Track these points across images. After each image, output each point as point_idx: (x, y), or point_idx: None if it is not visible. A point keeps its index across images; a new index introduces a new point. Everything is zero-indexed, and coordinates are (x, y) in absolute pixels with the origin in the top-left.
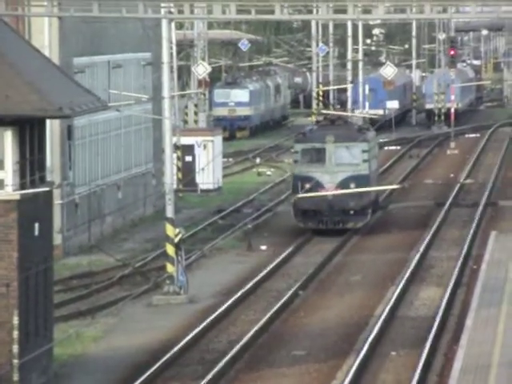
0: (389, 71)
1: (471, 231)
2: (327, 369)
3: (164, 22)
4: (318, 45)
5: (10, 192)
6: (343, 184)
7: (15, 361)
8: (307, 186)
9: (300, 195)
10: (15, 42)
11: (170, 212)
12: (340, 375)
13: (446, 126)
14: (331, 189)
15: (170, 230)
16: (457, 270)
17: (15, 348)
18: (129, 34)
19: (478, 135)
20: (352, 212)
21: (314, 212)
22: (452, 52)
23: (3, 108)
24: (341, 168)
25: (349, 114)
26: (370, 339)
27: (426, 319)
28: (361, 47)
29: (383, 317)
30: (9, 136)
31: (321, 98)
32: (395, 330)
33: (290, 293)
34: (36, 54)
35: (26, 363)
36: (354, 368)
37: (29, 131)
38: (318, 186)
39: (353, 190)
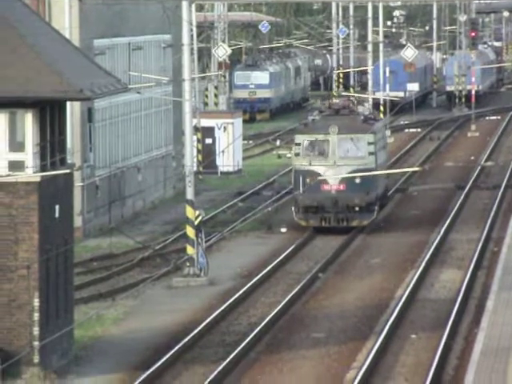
0: (409, 53)
1: (492, 214)
2: (347, 351)
3: (184, 4)
4: (338, 27)
5: (31, 174)
6: (347, 179)
7: (36, 343)
8: (309, 180)
9: (301, 191)
10: (36, 24)
11: (190, 194)
12: (360, 357)
13: (466, 108)
14: (335, 184)
15: (190, 212)
16: (477, 252)
17: (36, 330)
18: (149, 15)
19: (499, 117)
20: (357, 208)
21: (317, 209)
22: (473, 34)
23: (24, 90)
24: (345, 161)
25: (369, 96)
26: (390, 322)
27: (447, 302)
28: (381, 29)
29: (403, 299)
30: (29, 118)
31: (341, 80)
32: (415, 313)
33: (310, 275)
34: (56, 36)
35: (47, 345)
36: (374, 350)
37: (49, 113)
38: (320, 181)
39: (370, 173)
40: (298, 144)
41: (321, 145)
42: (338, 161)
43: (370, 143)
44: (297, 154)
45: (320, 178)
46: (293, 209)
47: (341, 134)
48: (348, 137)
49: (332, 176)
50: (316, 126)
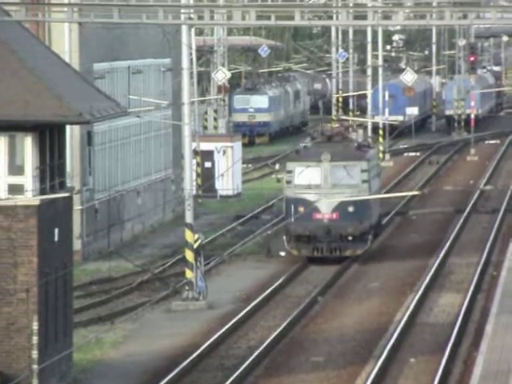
0: (409, 77)
1: (491, 237)
2: (346, 375)
3: (184, 28)
4: (337, 51)
5: (30, 197)
6: (340, 208)
7: (35, 366)
8: (301, 209)
9: (293, 219)
10: (35, 48)
11: (189, 218)
12: (359, 382)
13: (465, 132)
14: (327, 212)
15: (189, 236)
16: (476, 276)
17: (34, 353)
18: (149, 39)
19: (498, 142)
20: (350, 238)
21: (309, 238)
22: (472, 58)
23: (23, 113)
24: (338, 189)
25: (368, 120)
26: (389, 346)
27: (446, 325)
28: (381, 53)
29: (402, 323)
30: (29, 141)
31: (340, 104)
32: (414, 337)
33: (309, 299)
34: (56, 60)
35: (46, 368)
36: (373, 374)
37: (49, 137)
38: (312, 209)
39: (371, 196)
40: (290, 171)
41: (313, 172)
42: (330, 189)
43: (363, 171)
44: (288, 182)
45: (312, 206)
46: (284, 238)
47: (333, 162)
48: (341, 164)
49: (324, 205)
50: (308, 154)
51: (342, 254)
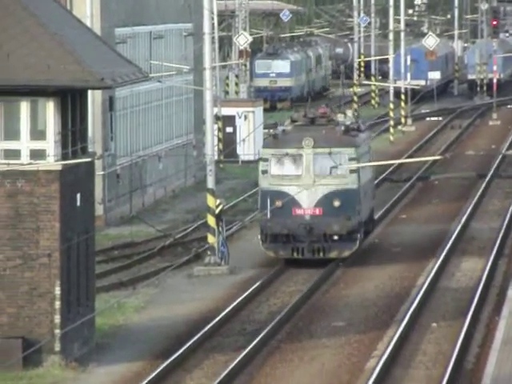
0: (431, 42)
1: None
2: (367, 340)
3: None
4: (359, 15)
5: (52, 162)
6: (324, 202)
7: (57, 331)
8: (278, 204)
9: (269, 216)
10: (57, 12)
11: (210, 183)
12: (380, 346)
13: (488, 96)
14: (309, 207)
15: (210, 201)
16: (498, 241)
17: (57, 318)
18: (170, 4)
19: None
20: (336, 237)
21: (287, 237)
22: (494, 22)
23: (45, 78)
24: (322, 181)
25: (390, 84)
26: (410, 310)
27: (467, 290)
28: (403, 17)
29: (424, 288)
30: (51, 106)
31: (362, 69)
32: (436, 302)
33: (330, 264)
34: (78, 24)
35: (68, 333)
36: (394, 339)
37: (70, 102)
38: (292, 204)
39: (388, 161)
40: (265, 160)
41: (293, 161)
42: (313, 180)
43: (351, 159)
44: (264, 172)
45: (291, 200)
46: (259, 237)
47: (317, 148)
48: (325, 151)
49: (306, 198)
50: (287, 139)
51: (326, 255)
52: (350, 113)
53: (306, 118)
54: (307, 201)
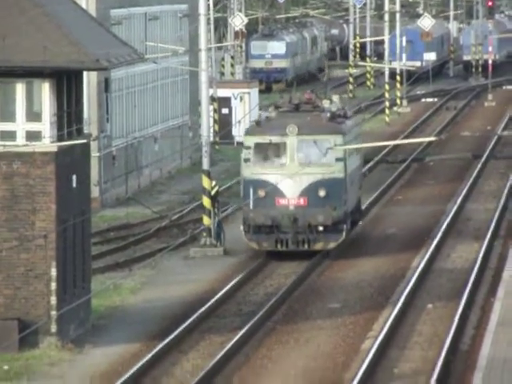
0: (426, 23)
1: (508, 183)
2: (363, 321)
3: None
4: None
5: (48, 144)
6: (309, 191)
7: (53, 312)
8: (261, 193)
9: (252, 206)
10: None
11: (206, 164)
12: (376, 327)
13: (483, 77)
14: (293, 197)
15: (206, 183)
16: (494, 222)
17: (53, 299)
18: None
19: None
20: (321, 228)
21: (271, 228)
22: (490, 3)
23: (41, 60)
24: (306, 169)
25: (386, 65)
26: (406, 292)
27: (463, 272)
28: None
29: (419, 269)
30: (46, 88)
31: (357, 50)
32: (432, 283)
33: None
34: (73, 6)
35: (64, 315)
36: (390, 320)
37: (66, 83)
38: (275, 193)
39: (387, 142)
40: (248, 147)
41: (276, 149)
42: (297, 169)
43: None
44: (246, 160)
45: (275, 189)
46: (241, 228)
47: (301, 136)
48: (310, 139)
49: (290, 188)
50: (270, 126)
51: (311, 247)
52: (336, 98)
53: (291, 104)
54: (291, 190)
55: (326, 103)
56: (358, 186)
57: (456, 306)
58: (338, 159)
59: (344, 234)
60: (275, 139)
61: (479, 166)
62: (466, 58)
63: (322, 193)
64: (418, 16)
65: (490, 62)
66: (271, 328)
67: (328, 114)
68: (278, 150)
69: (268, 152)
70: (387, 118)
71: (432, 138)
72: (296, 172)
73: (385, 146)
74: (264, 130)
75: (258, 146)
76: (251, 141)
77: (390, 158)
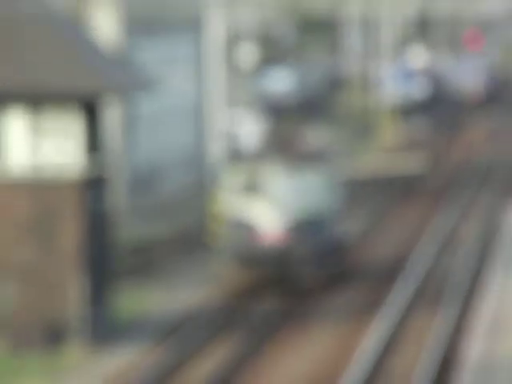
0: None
1: None
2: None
3: None
4: None
5: (76, 173)
6: (293, 229)
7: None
8: (239, 230)
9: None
10: (69, 24)
11: None
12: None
13: None
14: (274, 233)
15: None
16: None
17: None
18: None
19: None
20: (304, 263)
21: (250, 264)
22: None
23: (64, 89)
24: (287, 203)
25: None
26: None
27: None
28: None
29: None
30: (70, 117)
31: None
32: None
33: None
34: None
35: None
36: None
37: (89, 112)
38: (253, 230)
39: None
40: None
41: (255, 181)
42: (278, 203)
43: (323, 182)
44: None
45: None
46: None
47: (284, 168)
48: (293, 172)
49: (270, 223)
50: (251, 157)
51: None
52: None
53: (274, 135)
54: (271, 225)
55: (309, 137)
56: (337, 225)
57: None
58: (325, 194)
59: (330, 267)
60: (255, 171)
61: None
62: None
63: (304, 227)
64: None
65: None
66: None
67: (311, 146)
68: (257, 182)
69: (246, 185)
70: None
71: None
72: (277, 207)
73: None
74: (244, 160)
75: (236, 178)
76: (229, 171)
77: None
